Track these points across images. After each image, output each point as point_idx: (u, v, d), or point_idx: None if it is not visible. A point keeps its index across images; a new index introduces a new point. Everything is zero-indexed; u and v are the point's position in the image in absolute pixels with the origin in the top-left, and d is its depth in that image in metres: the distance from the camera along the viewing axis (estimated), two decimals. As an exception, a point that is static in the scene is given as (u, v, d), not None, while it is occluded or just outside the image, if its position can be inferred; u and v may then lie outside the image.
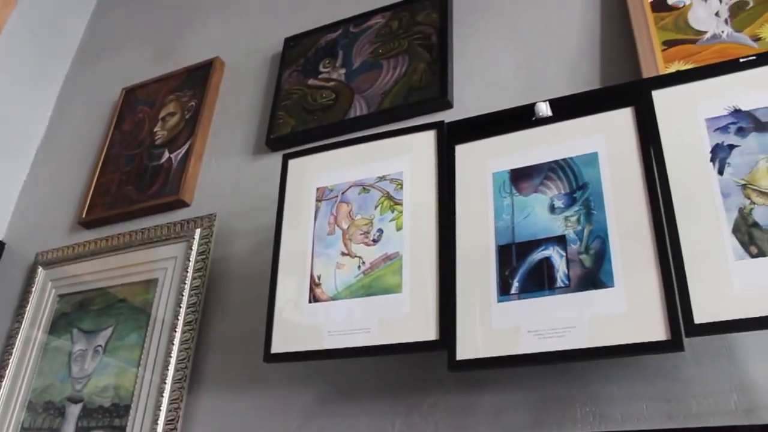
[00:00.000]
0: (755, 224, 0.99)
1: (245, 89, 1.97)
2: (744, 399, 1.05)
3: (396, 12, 1.79)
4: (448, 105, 1.55)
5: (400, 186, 1.26)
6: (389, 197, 1.26)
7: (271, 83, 1.91)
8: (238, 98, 1.97)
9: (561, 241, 1.08)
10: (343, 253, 1.26)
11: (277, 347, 1.26)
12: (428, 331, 1.13)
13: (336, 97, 1.72)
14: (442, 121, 1.27)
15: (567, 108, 1.20)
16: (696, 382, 1.09)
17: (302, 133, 1.71)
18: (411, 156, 1.27)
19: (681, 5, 1.46)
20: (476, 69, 1.60)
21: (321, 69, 1.81)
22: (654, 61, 1.35)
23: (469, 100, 1.55)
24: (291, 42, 1.92)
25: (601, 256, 1.04)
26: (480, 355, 1.07)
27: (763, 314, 0.94)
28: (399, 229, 1.22)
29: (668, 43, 1.40)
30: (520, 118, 1.22)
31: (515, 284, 1.09)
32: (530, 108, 1.21)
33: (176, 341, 1.53)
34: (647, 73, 1.33)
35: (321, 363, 1.36)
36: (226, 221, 1.70)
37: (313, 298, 1.26)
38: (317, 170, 1.36)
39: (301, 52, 1.88)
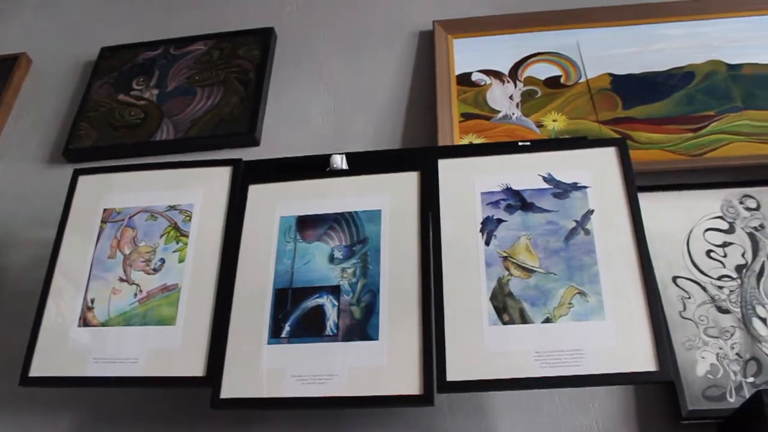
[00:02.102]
0: (510, 294, 1.08)
1: (50, 93, 1.87)
2: (489, 453, 1.14)
3: (219, 42, 1.79)
4: (254, 142, 1.57)
5: (188, 218, 1.24)
6: (176, 228, 1.24)
7: (79, 91, 1.82)
8: (40, 101, 1.86)
9: (336, 291, 1.12)
10: (121, 279, 1.22)
11: (36, 371, 1.19)
12: (196, 367, 1.11)
13: (144, 117, 1.68)
14: (240, 159, 1.28)
15: (361, 163, 1.25)
16: (448, 434, 1.17)
17: (103, 149, 1.65)
18: (204, 189, 1.26)
19: (482, 83, 1.58)
20: (287, 111, 1.63)
21: (134, 86, 1.76)
22: (451, 131, 1.45)
23: (276, 140, 1.58)
24: (107, 52, 1.86)
25: (371, 309, 1.09)
26: (243, 395, 1.07)
27: (508, 377, 1.02)
28: (181, 261, 1.20)
29: (466, 116, 1.51)
30: (317, 166, 1.25)
31: (287, 328, 1.10)
32: (327, 159, 1.25)
33: None
34: (443, 141, 1.42)
35: (86, 390, 1.29)
36: (5, 230, 1.59)
37: (83, 323, 1.20)
38: (107, 190, 1.31)
39: (116, 65, 1.82)
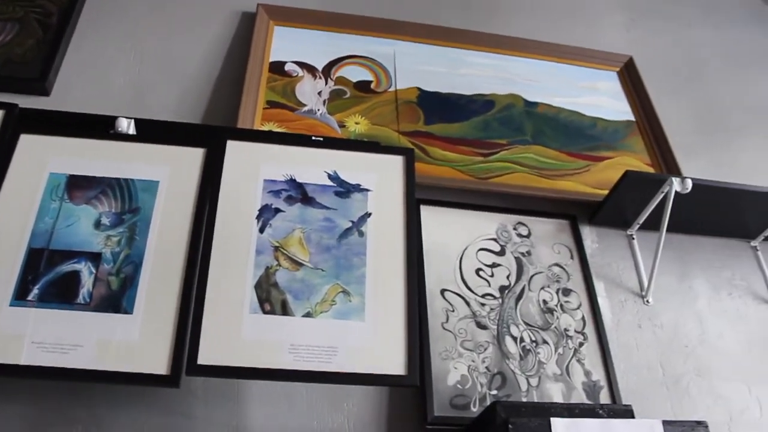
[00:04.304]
0: (275, 284, 1.08)
1: None
2: (239, 440, 1.13)
3: (23, -23, 1.65)
4: (44, 92, 1.45)
5: (-59, 159, 1.13)
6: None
7: None
8: None
9: (96, 258, 1.06)
10: None
11: None
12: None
13: None
14: (15, 105, 1.18)
15: (150, 132, 1.20)
16: (201, 419, 1.14)
17: None
18: (-33, 131, 1.15)
19: (294, 75, 1.58)
20: (88, 66, 1.53)
21: None
22: (252, 116, 1.43)
23: (69, 94, 1.47)
24: None
25: (130, 281, 1.04)
26: (-29, 359, 0.99)
27: (261, 366, 1.02)
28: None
29: (271, 104, 1.50)
30: (101, 127, 1.18)
31: (35, 291, 1.03)
32: (113, 120, 1.19)
33: None
34: (243, 123, 1.40)
35: None
36: None
37: None
38: None
39: None
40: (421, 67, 1.68)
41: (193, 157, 1.16)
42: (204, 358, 1.01)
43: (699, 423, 1.08)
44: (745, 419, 1.37)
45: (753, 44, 2.18)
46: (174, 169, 1.15)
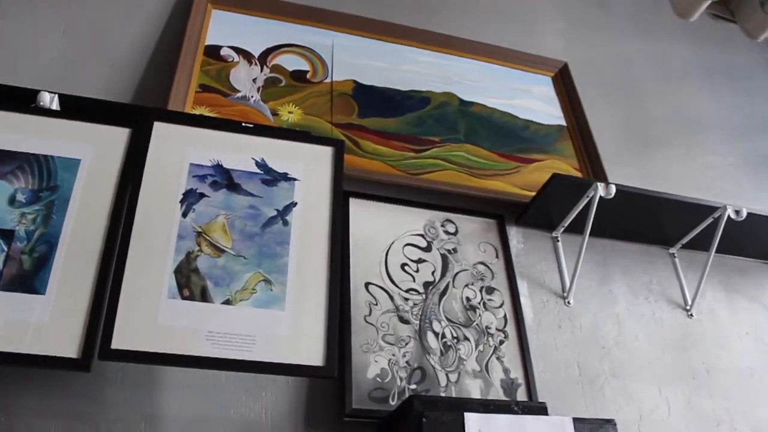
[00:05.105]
0: (196, 270, 1.06)
1: None
2: (149, 428, 1.11)
3: (-52, -58, 1.58)
4: (-37, 61, 1.40)
5: None
6: None
7: None
8: None
9: (9, 236, 1.02)
10: None
11: None
12: None
13: None
14: (-71, 73, 1.14)
15: (74, 108, 1.16)
16: (113, 406, 1.12)
17: None
18: None
19: (230, 60, 1.56)
20: (13, 38, 1.48)
21: None
22: (184, 99, 1.40)
23: (-10, 64, 1.43)
24: None
25: (44, 261, 1.01)
26: None
27: (177, 352, 1.00)
28: None
29: (204, 88, 1.47)
30: (22, 100, 1.14)
31: (-60, 268, 0.99)
32: (35, 94, 1.15)
33: None
34: (173, 105, 1.37)
35: None
36: None
37: None
38: None
39: None
40: (359, 61, 1.68)
41: (117, 136, 1.13)
42: (118, 342, 0.98)
43: (607, 421, 1.11)
44: (654, 418, 1.42)
45: (681, 58, 2.26)
46: (97, 148, 1.11)
